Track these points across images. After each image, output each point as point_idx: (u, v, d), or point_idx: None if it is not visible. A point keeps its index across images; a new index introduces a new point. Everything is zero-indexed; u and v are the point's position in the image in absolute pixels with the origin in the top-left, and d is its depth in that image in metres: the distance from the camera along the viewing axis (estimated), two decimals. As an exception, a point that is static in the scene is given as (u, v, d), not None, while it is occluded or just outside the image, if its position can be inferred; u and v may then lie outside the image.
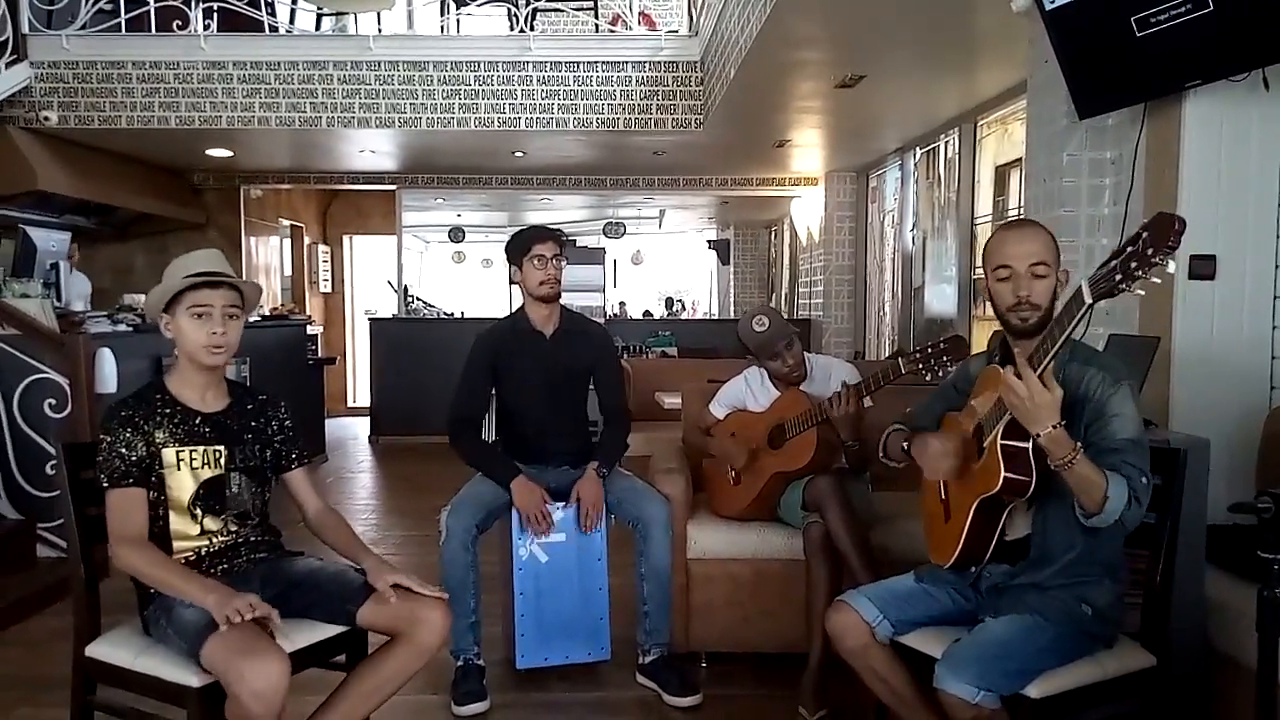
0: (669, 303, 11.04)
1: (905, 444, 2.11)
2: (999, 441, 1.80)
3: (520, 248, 2.87)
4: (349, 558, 2.11)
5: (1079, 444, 1.70)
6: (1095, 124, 2.77)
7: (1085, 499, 1.72)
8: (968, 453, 1.94)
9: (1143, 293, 1.58)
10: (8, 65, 5.49)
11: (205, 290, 1.99)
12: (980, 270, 5.40)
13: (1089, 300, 1.62)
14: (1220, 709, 2.07)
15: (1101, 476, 1.70)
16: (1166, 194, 2.55)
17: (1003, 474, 1.78)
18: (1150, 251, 1.53)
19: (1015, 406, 1.71)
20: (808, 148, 6.82)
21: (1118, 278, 1.56)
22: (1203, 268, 2.49)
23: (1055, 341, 1.69)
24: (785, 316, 2.92)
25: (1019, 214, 4.74)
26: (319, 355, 8.17)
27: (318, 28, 6.79)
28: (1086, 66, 2.62)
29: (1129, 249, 1.56)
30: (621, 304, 10.63)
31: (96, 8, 5.71)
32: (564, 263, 2.89)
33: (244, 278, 2.39)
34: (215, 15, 5.96)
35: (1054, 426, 1.68)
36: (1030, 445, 1.76)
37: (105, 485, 1.93)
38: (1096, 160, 2.83)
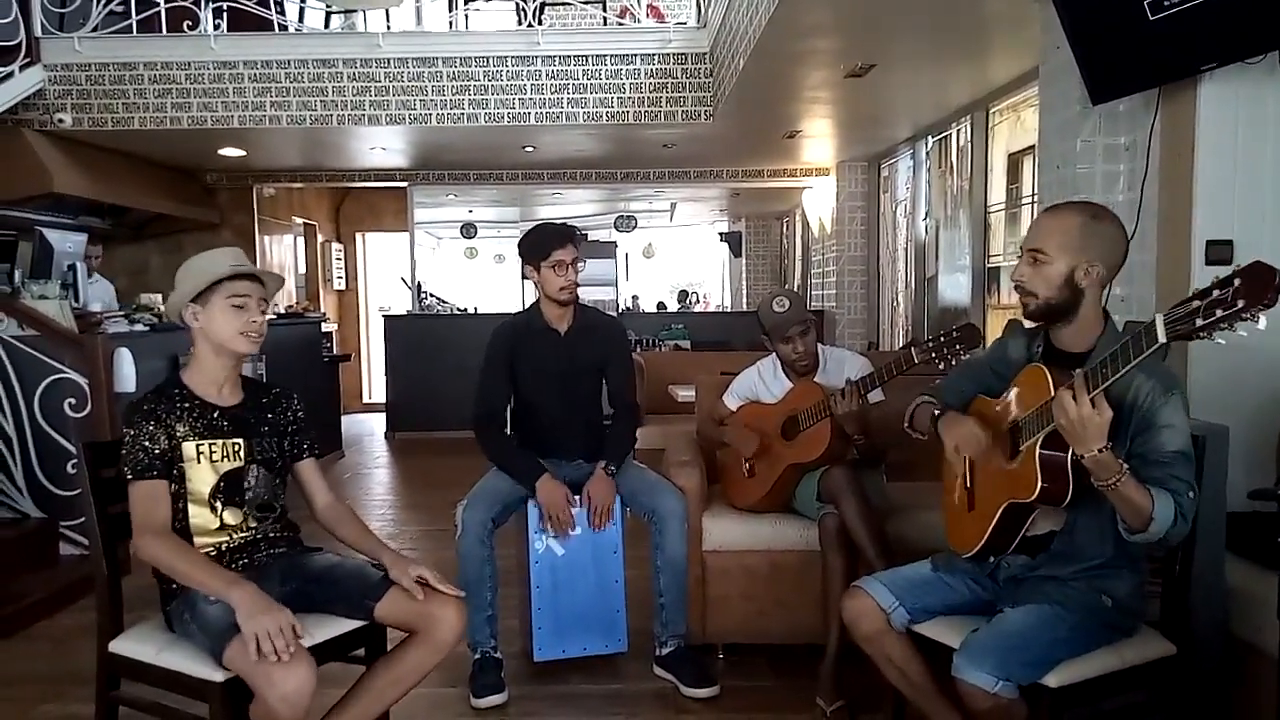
0: (681, 295, 11.04)
1: (935, 416, 2.05)
2: (1038, 450, 1.75)
3: (538, 251, 2.84)
4: (365, 554, 2.12)
5: (1124, 465, 1.65)
6: (1108, 109, 2.75)
7: (1129, 518, 1.68)
8: (1000, 448, 1.90)
9: (1224, 341, 1.43)
10: (21, 68, 5.53)
11: (244, 282, 2.04)
12: (994, 259, 5.41)
13: (1162, 339, 1.48)
14: (1241, 697, 2.06)
15: (1147, 497, 1.65)
16: (1182, 179, 2.53)
17: (1039, 485, 1.75)
18: (1240, 304, 1.36)
19: (1063, 426, 1.65)
20: (818, 138, 6.79)
21: (1198, 322, 1.42)
22: (1219, 253, 2.47)
23: (1118, 369, 1.58)
24: (806, 305, 2.90)
25: (1033, 201, 4.72)
26: (334, 352, 8.20)
27: (326, 26, 6.81)
28: (1099, 51, 2.60)
29: (1215, 293, 1.40)
30: (634, 297, 10.64)
31: (107, 10, 5.74)
32: (583, 264, 2.89)
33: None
34: (225, 15, 5.99)
35: (1100, 450, 1.62)
36: (1069, 456, 1.72)
37: (129, 478, 1.95)
38: (1110, 146, 2.80)
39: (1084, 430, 1.61)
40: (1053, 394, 1.69)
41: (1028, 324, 1.98)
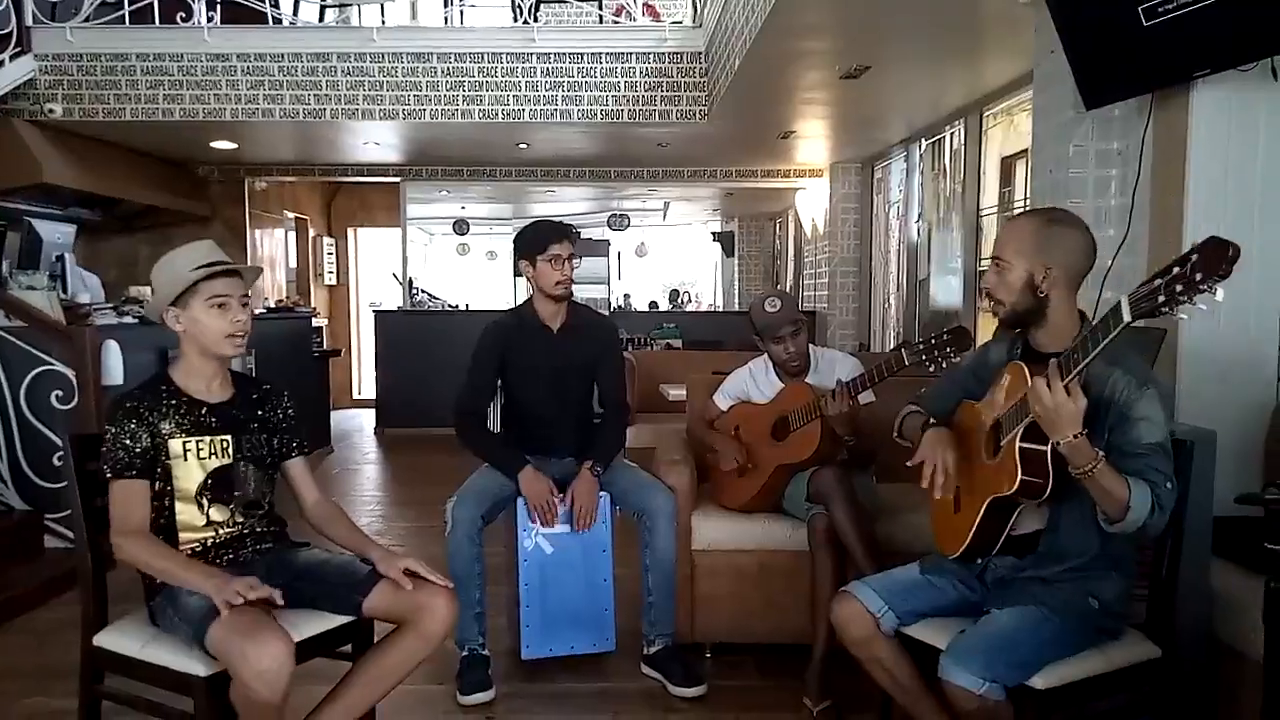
0: (673, 295, 11.04)
1: (922, 430, 2.08)
2: (1017, 443, 1.77)
3: (535, 245, 2.84)
4: (353, 550, 2.11)
5: (1100, 453, 1.67)
6: (1102, 114, 2.76)
7: (1107, 507, 1.70)
8: (984, 447, 1.92)
9: (1185, 316, 1.50)
10: (12, 58, 5.49)
11: (221, 280, 2.01)
12: (986, 262, 5.42)
13: (1127, 318, 1.54)
14: (1225, 700, 2.07)
15: (1123, 486, 1.68)
16: (1174, 185, 2.54)
17: (1019, 477, 1.77)
18: (1199, 277, 1.44)
19: (1039, 414, 1.68)
20: (812, 139, 6.81)
21: (1160, 299, 1.48)
22: (1210, 259, 2.48)
23: (1088, 353, 1.63)
24: (798, 306, 2.91)
25: (1025, 205, 4.73)
26: (324, 347, 8.18)
27: (321, 19, 6.78)
28: (1093, 56, 2.61)
29: (1175, 269, 1.47)
30: (626, 296, 10.64)
31: (100, 0, 5.71)
32: (578, 262, 2.88)
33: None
34: (218, 7, 5.96)
35: (1075, 436, 1.65)
36: (1049, 449, 1.75)
37: (108, 476, 1.94)
38: (1103, 151, 2.81)
39: (1058, 416, 1.64)
40: (1030, 385, 1.72)
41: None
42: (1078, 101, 2.72)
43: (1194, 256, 1.45)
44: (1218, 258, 1.43)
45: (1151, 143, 2.63)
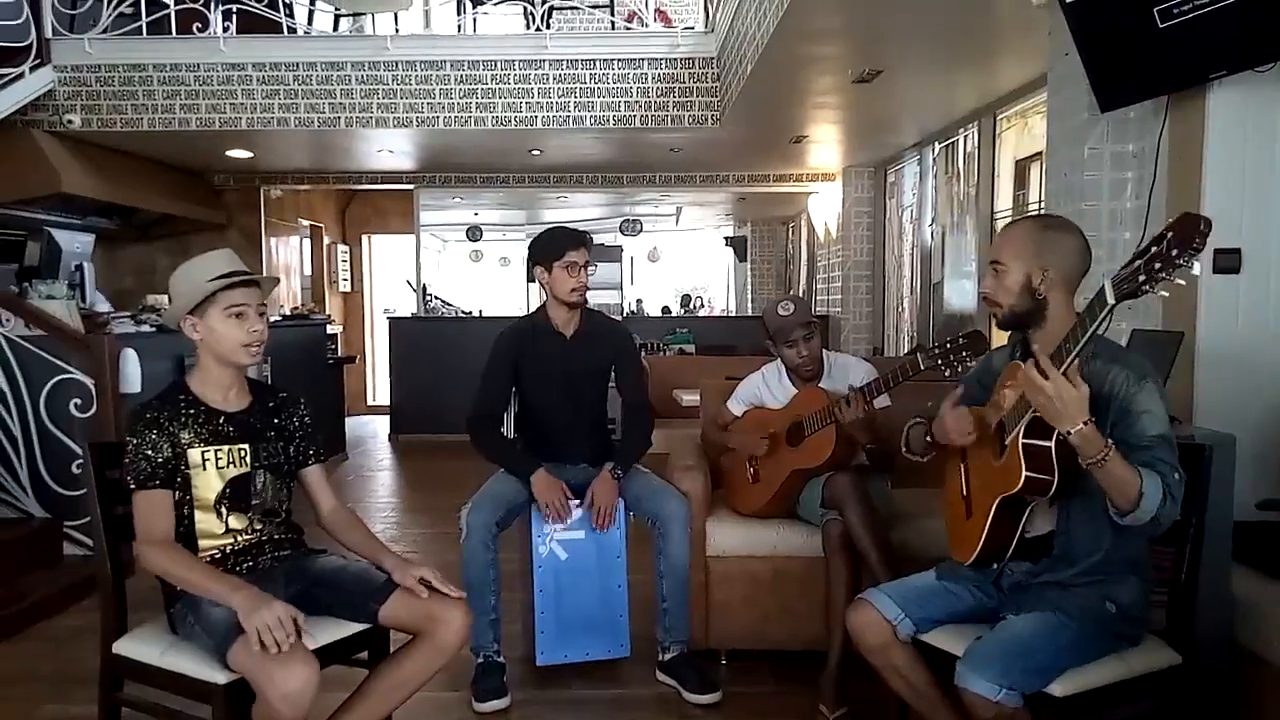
0: (686, 300, 11.03)
1: (929, 436, 2.09)
2: (1020, 440, 1.78)
3: (552, 251, 2.85)
4: (368, 558, 2.12)
5: (1110, 441, 1.67)
6: (1117, 117, 2.74)
7: (1119, 498, 1.69)
8: (990, 450, 1.92)
9: (1166, 294, 1.55)
10: (31, 69, 5.55)
11: (239, 290, 2.02)
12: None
13: (1111, 301, 1.59)
14: (1247, 707, 2.05)
15: (1135, 474, 1.67)
16: (1190, 187, 2.52)
17: (1024, 474, 1.77)
18: (1175, 253, 1.49)
19: (1042, 406, 1.68)
20: (825, 143, 6.79)
21: (1141, 279, 1.53)
22: (1227, 261, 2.47)
23: (1079, 340, 1.66)
24: (811, 310, 2.90)
25: (1039, 208, 4.71)
26: (339, 354, 8.21)
27: (335, 29, 6.83)
28: (1108, 59, 2.59)
29: (1153, 249, 1.52)
30: (639, 301, 10.63)
31: (118, 11, 5.76)
32: (593, 269, 2.89)
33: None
34: (234, 17, 6.01)
35: (1084, 423, 1.65)
36: (1053, 444, 1.74)
37: (132, 487, 1.95)
38: (1118, 153, 2.80)
39: (1063, 406, 1.64)
40: (1025, 379, 1.72)
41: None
42: (1092, 104, 2.71)
43: (1169, 234, 1.51)
44: (1191, 232, 1.49)
45: (1167, 145, 2.61)
